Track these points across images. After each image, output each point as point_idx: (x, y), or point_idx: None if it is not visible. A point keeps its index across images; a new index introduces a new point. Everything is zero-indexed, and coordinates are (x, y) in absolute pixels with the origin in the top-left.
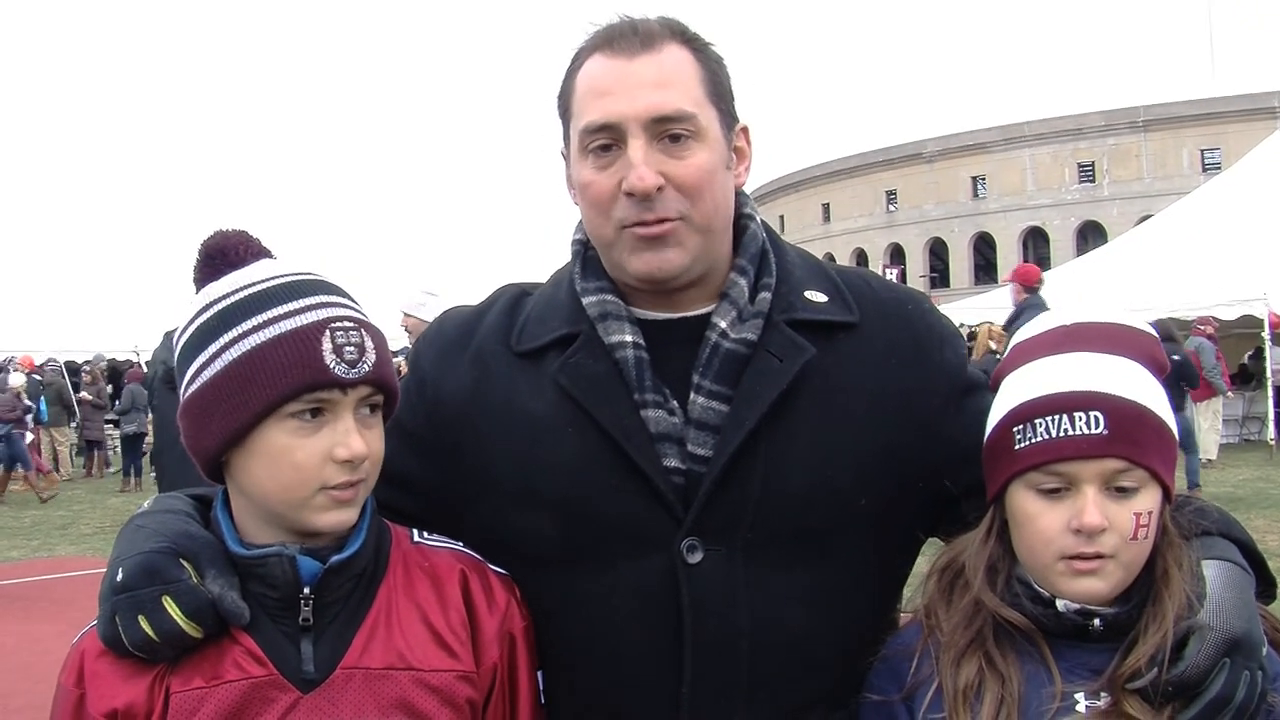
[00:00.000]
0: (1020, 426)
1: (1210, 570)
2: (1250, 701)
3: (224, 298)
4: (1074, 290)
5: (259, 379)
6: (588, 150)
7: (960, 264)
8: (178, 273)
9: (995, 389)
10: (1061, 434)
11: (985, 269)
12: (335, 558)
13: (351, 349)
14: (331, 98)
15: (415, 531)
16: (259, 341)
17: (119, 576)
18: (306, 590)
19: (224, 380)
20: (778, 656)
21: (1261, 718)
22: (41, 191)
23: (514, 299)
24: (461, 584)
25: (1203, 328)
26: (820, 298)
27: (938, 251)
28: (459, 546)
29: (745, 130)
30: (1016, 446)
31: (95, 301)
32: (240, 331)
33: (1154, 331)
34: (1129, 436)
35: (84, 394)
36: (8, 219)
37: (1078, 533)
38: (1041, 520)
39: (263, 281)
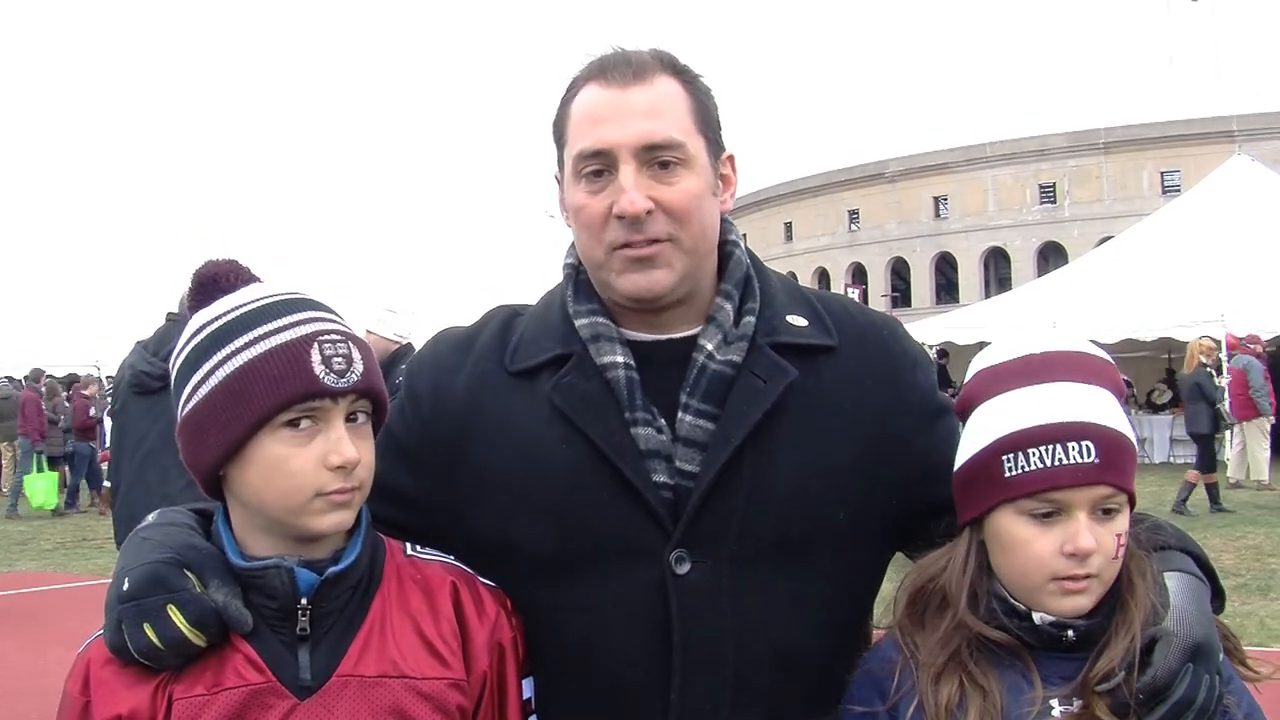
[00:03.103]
0: (1010, 455)
1: (1172, 581)
2: (1210, 704)
3: (216, 319)
4: (1035, 311)
5: (252, 391)
6: (581, 175)
7: (922, 284)
8: (141, 287)
9: (961, 414)
10: (1056, 463)
11: (947, 289)
12: (331, 569)
13: (339, 360)
14: (295, 112)
15: (408, 545)
16: (251, 356)
17: (125, 586)
18: (304, 601)
19: (219, 395)
20: (761, 662)
21: (1219, 718)
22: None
23: (506, 320)
24: (453, 595)
25: (1252, 346)
26: (801, 322)
27: (900, 271)
28: (450, 560)
29: (731, 158)
30: (1007, 474)
31: (56, 316)
32: (233, 348)
33: (1109, 357)
34: (1114, 464)
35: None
36: None
37: (1071, 556)
38: (1035, 545)
39: (253, 302)
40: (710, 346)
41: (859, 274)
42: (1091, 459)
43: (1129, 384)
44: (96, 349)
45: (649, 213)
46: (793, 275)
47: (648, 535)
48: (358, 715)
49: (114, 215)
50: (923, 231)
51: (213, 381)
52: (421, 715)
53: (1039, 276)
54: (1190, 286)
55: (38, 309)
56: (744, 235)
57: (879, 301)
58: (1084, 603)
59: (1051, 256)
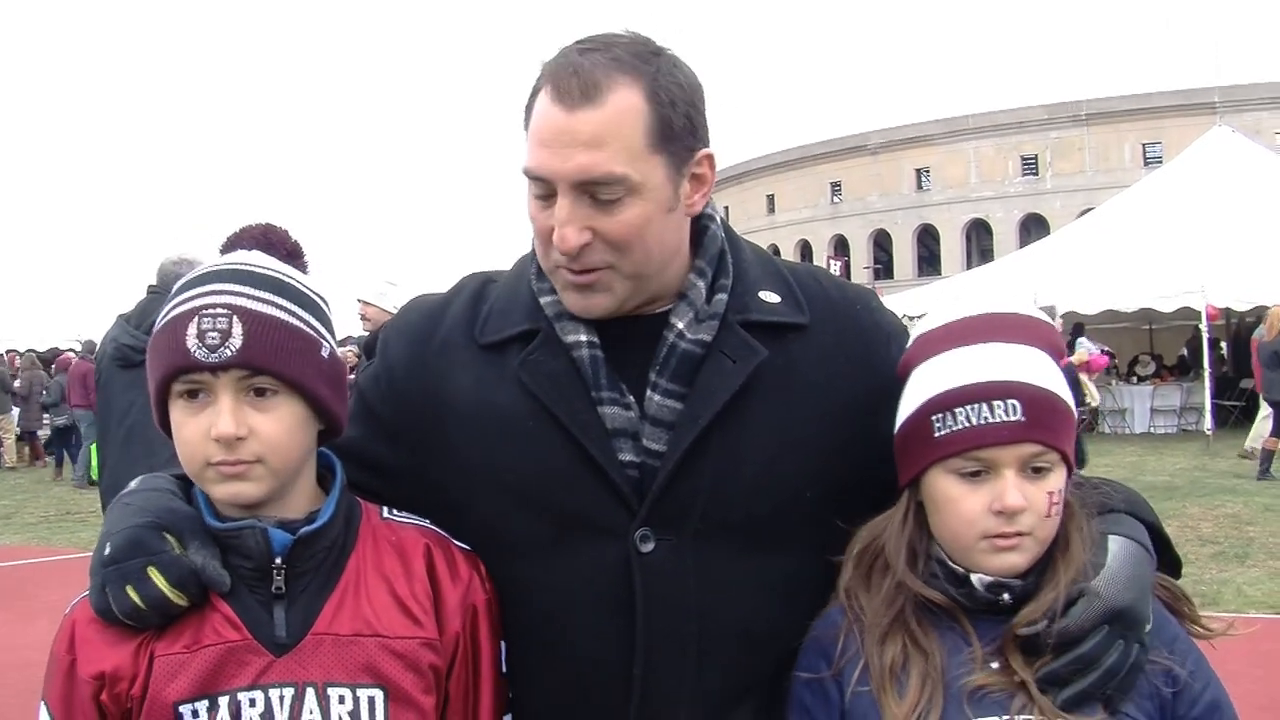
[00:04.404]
0: (939, 415)
1: (1113, 545)
2: (1119, 668)
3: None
4: (1017, 282)
5: (152, 364)
6: (530, 189)
7: (904, 256)
8: (123, 263)
9: (901, 378)
10: (982, 421)
11: (929, 261)
12: (304, 529)
13: (214, 334)
14: (288, 86)
15: (384, 509)
16: (157, 329)
17: (107, 550)
18: (278, 561)
19: (146, 362)
20: (724, 640)
21: (1153, 686)
22: None
23: (478, 289)
24: (426, 557)
25: None
26: (774, 298)
27: (882, 243)
28: (426, 523)
29: (708, 157)
30: (936, 434)
31: (37, 292)
32: (158, 320)
33: (1051, 320)
34: (1042, 422)
35: (15, 384)
36: None
37: (999, 514)
38: (964, 504)
39: (190, 275)
40: (681, 325)
41: (841, 246)
42: (1017, 417)
43: (1110, 354)
44: (78, 326)
45: (586, 244)
46: (775, 248)
47: (613, 513)
48: (331, 672)
49: (118, 213)
50: (905, 204)
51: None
52: (394, 673)
53: (1021, 248)
54: (1171, 257)
55: (40, 297)
56: (725, 208)
57: (861, 274)
58: (1017, 560)
59: (1033, 228)
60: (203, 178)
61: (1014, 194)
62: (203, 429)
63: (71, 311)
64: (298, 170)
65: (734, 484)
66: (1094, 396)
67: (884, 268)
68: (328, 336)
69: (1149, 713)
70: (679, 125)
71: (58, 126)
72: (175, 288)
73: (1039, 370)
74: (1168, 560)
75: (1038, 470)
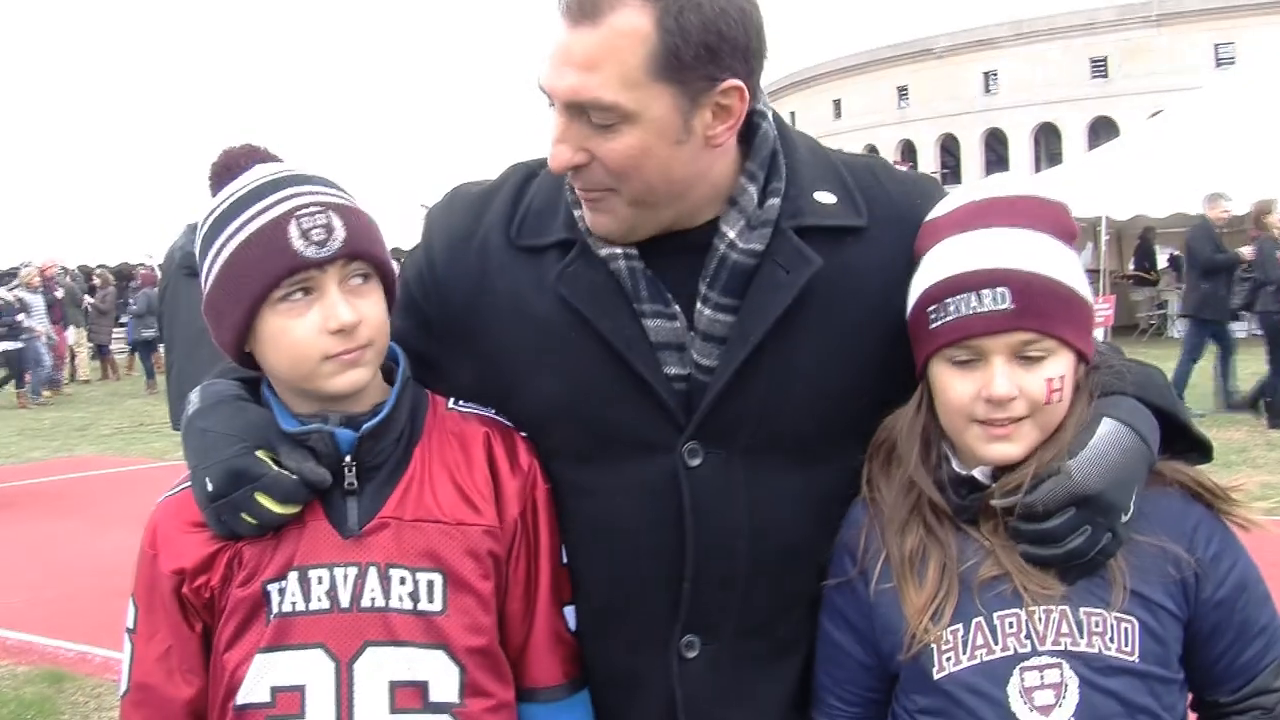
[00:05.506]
0: (934, 306)
1: (1102, 428)
2: (1084, 553)
3: (216, 208)
4: (1085, 185)
5: (244, 276)
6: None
7: (972, 160)
8: (190, 181)
9: (915, 264)
10: (970, 311)
11: (997, 164)
12: (367, 424)
13: (319, 230)
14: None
15: (450, 400)
16: (238, 243)
17: (209, 487)
18: (348, 459)
19: (221, 282)
20: (772, 555)
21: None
22: (55, 102)
23: (520, 184)
24: (486, 446)
25: None
26: (829, 199)
27: (949, 148)
28: (489, 413)
29: (739, 89)
30: (931, 325)
31: (109, 209)
32: (226, 236)
33: (1062, 200)
34: (1034, 308)
35: (88, 299)
36: (23, 130)
37: (989, 401)
38: (953, 390)
39: (241, 189)
40: (732, 234)
41: (908, 151)
42: (1005, 305)
43: (1174, 257)
44: (148, 243)
45: (583, 165)
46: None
47: (660, 428)
48: (393, 555)
49: (175, 112)
50: (972, 107)
51: (215, 270)
52: (453, 558)
53: (1089, 151)
54: (1242, 160)
55: (113, 214)
56: (792, 114)
57: None
58: (1011, 449)
59: (1103, 131)
60: (266, 91)
61: (1082, 97)
62: (315, 325)
63: (143, 227)
64: (357, 80)
65: (786, 399)
66: None
67: (951, 172)
68: None
69: (1173, 595)
70: (690, 55)
71: (119, 43)
72: (227, 204)
73: (1037, 255)
74: (1192, 446)
75: (1032, 358)
